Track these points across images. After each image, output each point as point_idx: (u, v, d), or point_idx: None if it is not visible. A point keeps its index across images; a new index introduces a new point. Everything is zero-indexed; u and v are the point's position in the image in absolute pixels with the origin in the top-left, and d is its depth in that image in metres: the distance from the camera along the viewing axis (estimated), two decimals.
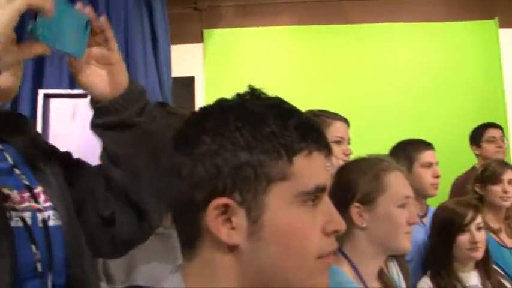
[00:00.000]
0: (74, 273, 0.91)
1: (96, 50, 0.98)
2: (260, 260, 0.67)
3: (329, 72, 4.28)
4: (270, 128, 0.67)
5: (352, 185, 1.39)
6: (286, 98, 0.73)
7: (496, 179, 2.44)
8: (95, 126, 1.01)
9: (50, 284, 0.87)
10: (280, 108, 0.70)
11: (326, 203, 0.71)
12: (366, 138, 3.01)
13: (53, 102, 2.68)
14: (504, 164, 2.55)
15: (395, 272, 1.74)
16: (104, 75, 0.99)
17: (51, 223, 0.92)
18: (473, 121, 3.76)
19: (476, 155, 3.31)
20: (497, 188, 2.43)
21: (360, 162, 1.46)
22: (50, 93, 2.69)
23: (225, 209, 0.66)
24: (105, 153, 1.01)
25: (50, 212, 0.93)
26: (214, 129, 0.67)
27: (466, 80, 4.51)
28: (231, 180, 0.66)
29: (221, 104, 0.72)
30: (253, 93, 0.72)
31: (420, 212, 2.16)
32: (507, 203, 2.42)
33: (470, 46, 4.61)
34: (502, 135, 3.36)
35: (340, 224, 0.72)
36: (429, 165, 2.19)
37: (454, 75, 4.49)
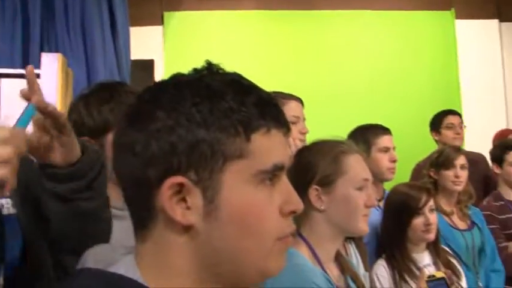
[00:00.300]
0: (31, 261, 0.89)
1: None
2: (216, 241, 0.65)
3: (291, 58, 4.30)
4: (228, 104, 0.65)
5: (312, 167, 1.40)
6: (260, 83, 0.71)
7: (449, 164, 2.50)
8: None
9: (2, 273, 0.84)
10: (238, 84, 0.68)
11: (284, 183, 0.69)
12: (326, 122, 3.04)
13: (4, 82, 2.58)
14: (457, 150, 2.62)
15: (353, 254, 1.76)
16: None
17: (5, 211, 0.89)
18: (430, 108, 3.85)
19: (436, 141, 3.40)
20: (449, 173, 2.49)
21: (320, 144, 1.46)
22: (0, 72, 2.59)
23: (180, 188, 0.64)
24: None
25: (4, 201, 0.89)
26: (170, 104, 0.65)
27: (424, 67, 4.63)
28: (186, 157, 0.63)
29: (177, 79, 0.69)
30: (211, 69, 0.69)
31: (377, 196, 2.19)
32: (459, 188, 2.49)
33: (429, 35, 4.71)
34: (460, 122, 3.45)
35: (298, 204, 0.70)
36: (386, 149, 2.23)
37: (413, 63, 4.60)
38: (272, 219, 0.67)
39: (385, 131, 2.27)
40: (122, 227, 1.10)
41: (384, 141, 2.23)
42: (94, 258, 0.91)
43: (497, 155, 2.87)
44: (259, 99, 0.67)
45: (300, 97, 2.04)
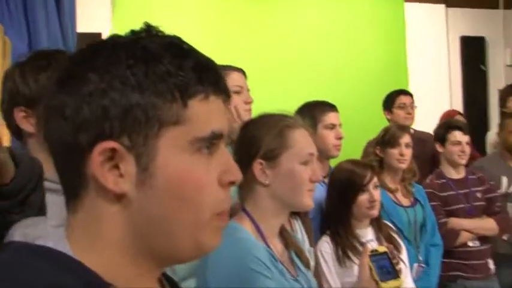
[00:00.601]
0: None
1: None
2: (150, 211, 0.62)
3: (242, 34, 4.25)
4: (165, 67, 0.61)
5: (256, 141, 1.38)
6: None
7: (394, 142, 2.55)
8: None
9: None
10: (177, 48, 0.64)
11: (223, 152, 0.67)
12: (276, 99, 3.02)
13: None
14: (402, 129, 2.67)
15: (298, 230, 1.77)
16: None
17: None
18: (379, 87, 3.91)
19: (388, 120, 3.46)
20: (395, 151, 2.54)
21: (265, 118, 1.44)
22: None
23: (112, 154, 0.60)
24: None
25: None
26: (103, 66, 0.61)
27: (373, 48, 4.69)
28: (119, 122, 0.60)
29: (112, 40, 0.65)
30: (149, 31, 0.66)
31: (322, 173, 2.21)
32: (403, 165, 2.55)
33: (378, 16, 4.78)
34: (411, 102, 3.53)
35: (237, 175, 0.67)
36: (332, 126, 2.24)
37: (362, 43, 4.65)
38: (210, 189, 0.64)
39: (332, 108, 2.27)
40: (56, 201, 1.06)
41: (330, 118, 2.24)
42: (22, 231, 0.86)
43: (441, 135, 2.94)
44: (198, 63, 0.64)
45: (249, 73, 2.03)
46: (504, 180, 3.20)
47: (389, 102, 3.55)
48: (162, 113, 0.61)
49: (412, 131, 3.52)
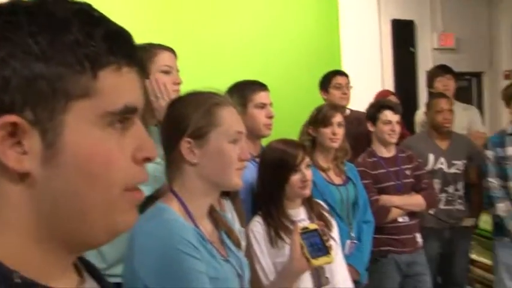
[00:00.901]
0: None
1: None
2: (57, 191, 0.57)
3: (173, 14, 4.15)
4: (73, 36, 0.56)
5: (184, 119, 1.34)
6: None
7: (326, 122, 2.56)
8: None
9: None
10: (88, 15, 0.59)
11: (137, 127, 0.62)
12: (206, 81, 2.97)
13: None
14: (334, 108, 2.69)
15: (228, 210, 1.75)
16: None
17: None
18: (312, 68, 3.92)
19: (325, 100, 3.49)
20: (327, 131, 2.56)
21: (193, 95, 1.40)
22: None
23: (14, 129, 0.55)
24: None
25: None
26: (2, 33, 0.55)
27: (306, 27, 4.72)
28: (22, 94, 0.54)
29: (14, 3, 0.58)
30: None
31: (254, 152, 2.19)
32: (335, 145, 2.57)
33: None
34: (347, 83, 3.57)
35: (153, 151, 0.63)
36: (263, 105, 2.22)
37: (295, 23, 4.68)
38: (121, 166, 0.60)
39: (262, 87, 2.25)
40: None
41: (260, 97, 2.21)
42: None
43: (372, 114, 2.99)
44: (109, 32, 0.59)
45: (180, 54, 1.97)
46: (431, 157, 3.32)
47: (326, 82, 3.59)
48: (70, 85, 0.56)
49: (348, 111, 3.58)
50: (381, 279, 2.89)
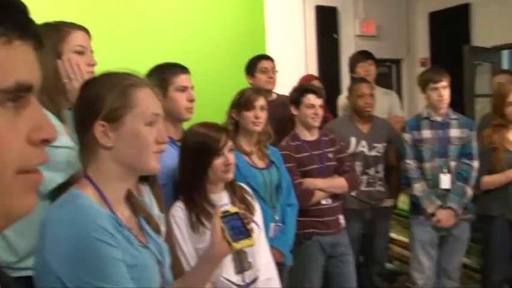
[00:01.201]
0: None
1: None
2: None
3: None
4: None
5: (98, 101, 1.27)
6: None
7: (249, 105, 2.56)
8: None
9: None
10: None
11: (34, 107, 0.58)
12: (126, 64, 2.88)
13: None
14: (257, 92, 2.69)
15: (147, 195, 1.70)
16: None
17: None
18: (238, 53, 3.90)
19: (250, 84, 3.49)
20: (250, 114, 2.55)
21: (107, 76, 1.33)
22: None
23: None
24: None
25: None
26: None
27: (232, 15, 4.68)
28: None
29: None
30: None
31: (175, 136, 2.15)
32: (258, 128, 2.57)
33: None
34: (273, 67, 3.58)
35: (52, 133, 0.59)
36: (184, 88, 2.17)
37: (219, 7, 4.62)
38: (13, 148, 0.55)
39: (183, 70, 2.20)
40: None
41: (181, 80, 2.16)
42: None
43: (295, 98, 3.02)
44: None
45: (97, 34, 1.88)
46: (353, 140, 3.40)
47: (252, 66, 3.59)
48: None
49: (274, 95, 3.60)
50: (305, 261, 2.95)
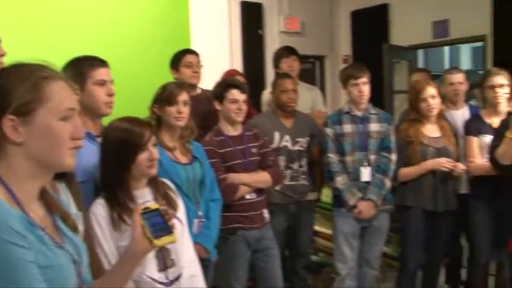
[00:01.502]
0: None
1: None
2: None
3: None
4: None
5: (6, 94, 1.19)
6: None
7: (172, 100, 2.53)
8: None
9: None
10: None
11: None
12: (47, 57, 2.76)
13: None
14: (180, 86, 2.65)
15: (63, 193, 1.63)
16: None
17: None
18: (162, 49, 3.84)
19: (175, 79, 3.45)
20: (172, 109, 2.52)
21: (17, 67, 1.25)
22: None
23: None
24: None
25: None
26: None
27: (156, 9, 4.61)
28: None
29: None
30: None
31: (94, 132, 2.08)
32: (181, 123, 2.55)
33: None
34: (198, 62, 3.56)
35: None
36: (103, 82, 2.09)
37: (146, 5, 4.55)
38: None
39: (102, 63, 2.12)
40: None
41: (100, 73, 2.09)
42: None
43: (219, 93, 3.01)
44: None
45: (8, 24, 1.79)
46: (276, 135, 3.44)
47: (176, 61, 3.56)
48: None
49: (199, 90, 3.57)
50: (231, 256, 2.95)
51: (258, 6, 6.08)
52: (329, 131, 3.38)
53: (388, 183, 3.34)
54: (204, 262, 2.41)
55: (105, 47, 3.16)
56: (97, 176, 1.99)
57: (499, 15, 5.31)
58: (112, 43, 3.97)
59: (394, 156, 3.36)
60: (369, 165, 3.34)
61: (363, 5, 6.71)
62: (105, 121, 2.14)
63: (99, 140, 2.02)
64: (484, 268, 3.63)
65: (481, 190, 3.45)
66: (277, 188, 3.36)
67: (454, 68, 4.46)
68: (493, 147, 3.05)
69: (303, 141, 3.52)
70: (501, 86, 3.41)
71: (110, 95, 2.10)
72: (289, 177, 3.47)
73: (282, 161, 3.41)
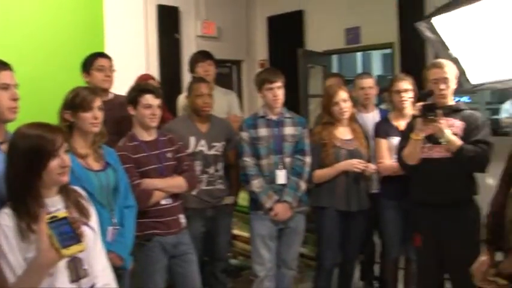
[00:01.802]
0: None
1: None
2: None
3: None
4: None
5: None
6: None
7: (87, 106, 2.46)
8: None
9: None
10: None
11: None
12: None
13: None
14: (93, 92, 2.59)
15: None
16: None
17: None
18: (74, 52, 3.72)
19: (87, 82, 3.36)
20: (88, 115, 2.46)
21: None
22: None
23: None
24: None
25: None
26: None
27: (68, 7, 4.48)
28: None
29: None
30: None
31: None
32: (96, 129, 2.49)
33: None
34: (110, 66, 3.47)
35: None
36: (6, 86, 1.99)
37: (58, 8, 4.40)
38: None
39: (4, 66, 2.00)
40: None
41: (2, 77, 1.99)
42: None
43: (133, 97, 2.96)
44: None
45: None
46: (192, 140, 3.44)
47: (88, 64, 3.46)
48: None
49: (112, 95, 3.49)
50: (147, 262, 2.91)
51: (175, 10, 6.05)
52: (244, 135, 3.42)
53: (303, 185, 3.43)
54: (119, 270, 2.36)
55: (5, 48, 3.01)
56: (1, 185, 1.88)
57: (405, 23, 5.61)
58: (14, 44, 3.79)
59: (308, 159, 3.46)
60: (284, 168, 3.41)
61: (279, 11, 6.85)
62: (11, 127, 2.04)
63: (3, 147, 1.92)
64: (394, 263, 3.82)
65: (390, 189, 3.63)
66: (194, 192, 3.35)
67: (365, 73, 4.68)
68: (400, 149, 3.22)
69: (219, 145, 3.53)
70: (406, 90, 3.62)
71: (15, 99, 2.00)
72: (206, 181, 3.47)
73: (198, 165, 3.40)
